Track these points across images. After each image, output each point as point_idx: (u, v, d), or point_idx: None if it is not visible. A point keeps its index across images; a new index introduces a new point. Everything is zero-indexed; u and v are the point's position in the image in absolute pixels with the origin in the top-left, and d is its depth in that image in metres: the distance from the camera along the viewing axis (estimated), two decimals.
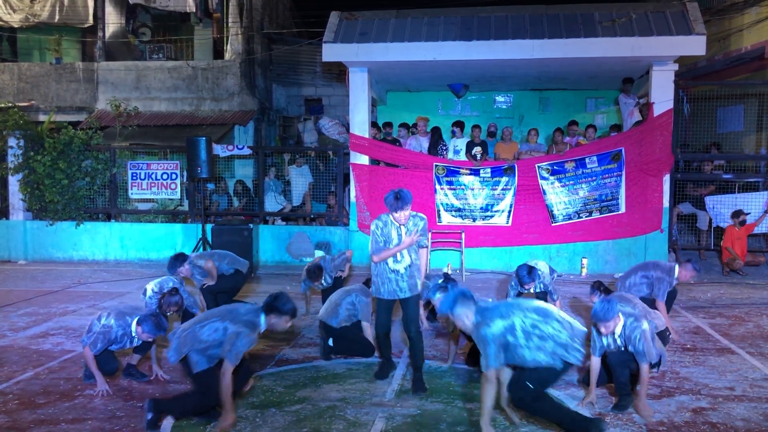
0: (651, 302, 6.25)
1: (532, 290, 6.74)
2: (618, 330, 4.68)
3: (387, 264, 5.25)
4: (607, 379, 5.01)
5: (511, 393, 4.26)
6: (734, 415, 4.72)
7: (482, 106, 14.06)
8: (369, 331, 6.26)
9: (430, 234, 10.53)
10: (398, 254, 5.22)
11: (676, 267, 6.44)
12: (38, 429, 4.44)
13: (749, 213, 10.25)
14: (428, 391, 5.19)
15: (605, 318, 4.56)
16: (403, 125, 12.23)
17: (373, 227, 5.28)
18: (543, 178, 10.75)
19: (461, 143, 11.67)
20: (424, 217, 5.39)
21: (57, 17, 14.82)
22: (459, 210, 10.97)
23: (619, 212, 10.61)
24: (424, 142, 11.84)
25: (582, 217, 10.66)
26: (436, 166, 11.00)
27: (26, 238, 12.25)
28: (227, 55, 14.68)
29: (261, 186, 12.13)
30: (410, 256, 5.27)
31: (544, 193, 10.74)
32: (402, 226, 5.20)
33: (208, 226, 10.87)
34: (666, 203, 10.62)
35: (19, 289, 9.45)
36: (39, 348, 6.37)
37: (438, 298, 5.14)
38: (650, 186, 10.57)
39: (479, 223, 10.85)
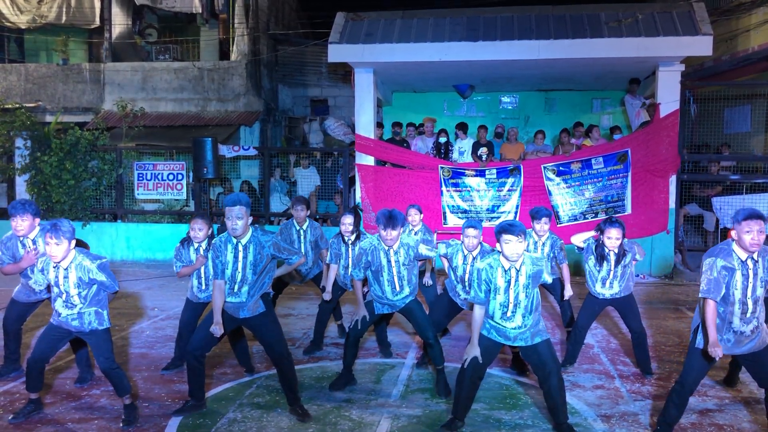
0: None
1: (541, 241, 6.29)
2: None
3: (385, 294, 5.11)
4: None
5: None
6: (741, 416, 4.71)
7: (488, 107, 14.04)
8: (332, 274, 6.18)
9: (435, 235, 10.51)
10: (396, 285, 5.06)
11: None
12: (45, 428, 4.46)
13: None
14: (432, 392, 5.20)
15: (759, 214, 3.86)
16: (410, 125, 12.25)
17: (364, 245, 5.14)
18: (549, 179, 10.73)
19: (465, 145, 11.65)
20: (415, 242, 5.15)
21: (64, 18, 14.87)
22: (465, 211, 10.95)
23: (625, 213, 10.57)
24: (430, 144, 11.84)
25: (588, 218, 10.62)
26: (442, 167, 10.99)
27: None
28: (233, 56, 14.70)
29: (267, 186, 12.15)
30: (408, 287, 5.12)
31: (550, 194, 10.72)
32: (391, 250, 5.01)
33: (214, 226, 10.86)
34: (672, 204, 10.58)
35: None
36: None
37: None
38: (656, 187, 10.54)
39: (485, 224, 10.81)
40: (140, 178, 12.32)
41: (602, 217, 10.56)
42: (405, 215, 5.55)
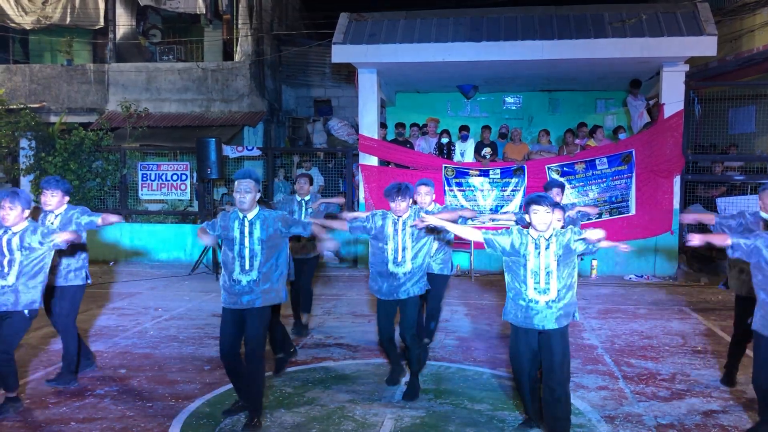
0: None
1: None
2: None
3: (387, 265, 5.04)
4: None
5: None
6: (745, 418, 4.69)
7: (491, 107, 14.02)
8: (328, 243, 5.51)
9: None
10: (399, 256, 5.00)
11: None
12: (49, 428, 4.47)
13: None
14: (435, 393, 5.19)
15: None
16: (414, 125, 12.24)
17: (377, 211, 5.16)
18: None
19: (466, 147, 11.64)
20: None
21: (68, 19, 14.91)
22: None
23: (630, 214, 10.56)
24: (434, 144, 11.84)
25: (592, 219, 10.58)
26: (446, 167, 10.99)
27: None
28: (237, 57, 14.72)
29: (270, 187, 12.16)
30: (411, 262, 5.02)
31: None
32: (400, 219, 5.01)
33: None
34: (677, 205, 10.56)
35: None
36: (50, 348, 6.41)
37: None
38: (661, 187, 10.52)
39: (488, 224, 10.79)
40: (144, 179, 12.34)
41: (606, 218, 10.55)
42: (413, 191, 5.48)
